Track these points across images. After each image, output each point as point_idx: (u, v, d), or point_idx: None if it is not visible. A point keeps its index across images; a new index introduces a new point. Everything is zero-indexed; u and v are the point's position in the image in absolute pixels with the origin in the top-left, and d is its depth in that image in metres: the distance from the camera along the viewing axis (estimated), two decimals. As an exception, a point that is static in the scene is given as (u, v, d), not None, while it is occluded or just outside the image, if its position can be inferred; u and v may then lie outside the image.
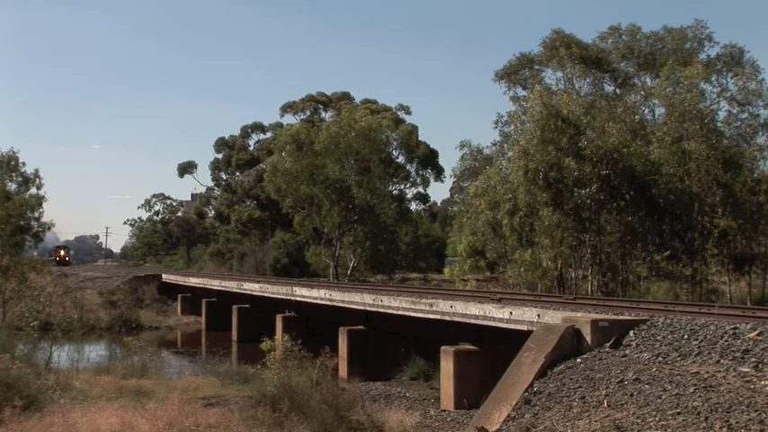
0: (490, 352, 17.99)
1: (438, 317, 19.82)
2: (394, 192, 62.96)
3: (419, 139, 65.21)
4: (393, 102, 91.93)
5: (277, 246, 64.07)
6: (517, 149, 32.85)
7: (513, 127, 41.02)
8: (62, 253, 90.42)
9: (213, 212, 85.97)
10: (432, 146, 66.34)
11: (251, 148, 79.46)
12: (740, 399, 9.18)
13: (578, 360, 12.29)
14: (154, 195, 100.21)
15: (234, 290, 39.97)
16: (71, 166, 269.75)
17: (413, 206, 70.53)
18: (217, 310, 42.54)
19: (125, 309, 43.39)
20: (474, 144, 49.46)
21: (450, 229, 63.16)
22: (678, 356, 11.25)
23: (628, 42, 43.14)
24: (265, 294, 34.74)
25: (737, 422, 8.61)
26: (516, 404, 11.60)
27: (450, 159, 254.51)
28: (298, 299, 30.94)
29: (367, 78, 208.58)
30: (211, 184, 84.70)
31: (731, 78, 39.20)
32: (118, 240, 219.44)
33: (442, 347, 18.79)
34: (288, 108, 74.76)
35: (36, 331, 21.25)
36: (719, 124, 36.92)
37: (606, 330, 12.83)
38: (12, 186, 53.54)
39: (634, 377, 10.80)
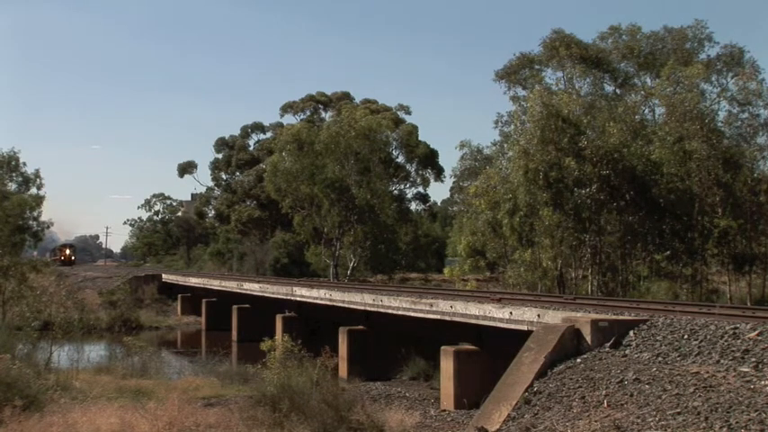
0: (490, 352, 17.98)
1: (438, 317, 19.81)
2: (394, 192, 62.90)
3: (419, 138, 65.20)
4: (393, 102, 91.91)
5: (277, 246, 64.03)
6: (517, 149, 32.84)
7: (513, 127, 41.02)
8: (67, 252, 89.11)
9: (213, 212, 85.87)
10: (432, 146, 66.37)
11: (251, 148, 79.39)
12: (740, 399, 9.18)
13: (578, 360, 12.29)
14: (154, 195, 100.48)
15: (234, 290, 39.96)
16: (71, 166, 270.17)
17: (413, 206, 70.53)
18: (217, 310, 42.51)
19: (125, 309, 43.38)
20: (474, 144, 49.57)
21: (451, 229, 63.09)
22: (678, 356, 11.25)
23: (628, 42, 43.14)
24: (265, 294, 34.73)
25: (737, 422, 8.60)
26: (516, 404, 11.60)
27: (450, 159, 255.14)
28: (298, 299, 30.93)
29: (367, 78, 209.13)
30: (211, 184, 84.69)
31: (731, 78, 39.23)
32: (118, 240, 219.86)
33: (442, 347, 18.78)
34: (288, 108, 74.71)
35: (36, 331, 21.25)
36: (720, 124, 36.94)
37: (606, 330, 12.83)
38: (12, 186, 53.54)
39: (634, 377, 10.80)
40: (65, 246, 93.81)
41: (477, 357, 18.26)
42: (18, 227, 45.05)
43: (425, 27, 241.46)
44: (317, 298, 28.98)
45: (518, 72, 45.16)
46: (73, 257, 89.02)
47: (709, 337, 11.53)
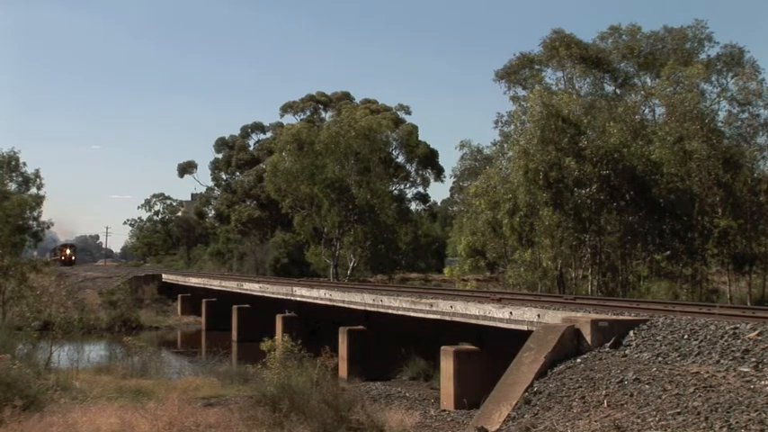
0: (490, 352, 17.98)
1: (438, 317, 19.81)
2: (394, 192, 62.91)
3: (419, 138, 65.22)
4: (393, 102, 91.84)
5: (277, 246, 64.04)
6: (517, 149, 32.84)
7: (513, 127, 41.02)
8: (68, 252, 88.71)
9: (213, 212, 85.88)
10: (432, 146, 66.41)
11: (251, 148, 79.40)
12: (740, 399, 9.18)
13: (578, 360, 12.29)
14: (154, 195, 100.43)
15: (234, 290, 39.96)
16: (71, 166, 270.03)
17: (413, 206, 70.56)
18: (217, 310, 42.52)
19: (125, 309, 43.39)
20: (474, 144, 49.57)
21: (451, 229, 63.11)
22: (678, 356, 11.25)
23: (628, 42, 43.15)
24: (265, 294, 34.73)
25: (737, 422, 8.60)
26: (516, 404, 11.60)
27: (450, 159, 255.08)
28: (298, 299, 30.93)
29: (367, 78, 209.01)
30: (211, 184, 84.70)
31: (731, 78, 39.24)
32: (118, 240, 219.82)
33: (442, 347, 18.78)
34: (288, 108, 74.71)
35: (36, 331, 21.25)
36: (720, 124, 36.95)
37: (606, 330, 12.83)
38: (12, 186, 53.48)
39: (634, 377, 10.80)
40: (65, 245, 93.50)
41: (477, 357, 18.26)
42: (18, 227, 45.01)
43: (425, 27, 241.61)
44: (317, 298, 28.98)
45: (518, 72, 45.17)
46: (73, 257, 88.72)
47: (709, 337, 11.53)
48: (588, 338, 12.75)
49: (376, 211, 50.12)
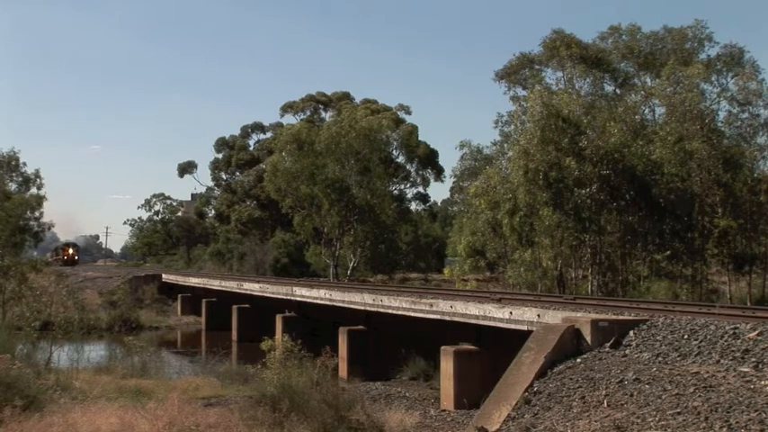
0: (490, 352, 17.99)
1: (438, 317, 19.81)
2: (394, 192, 62.93)
3: (419, 139, 65.22)
4: (393, 102, 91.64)
5: (277, 246, 64.04)
6: (517, 149, 32.85)
7: (513, 127, 41.02)
8: (70, 251, 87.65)
9: (213, 212, 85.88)
10: (432, 146, 66.41)
11: (251, 148, 79.40)
12: (740, 399, 9.17)
13: (578, 360, 12.29)
14: (154, 195, 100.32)
15: (234, 290, 39.96)
16: (71, 166, 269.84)
17: (413, 206, 70.58)
18: (217, 310, 42.55)
19: (125, 309, 43.38)
20: (474, 144, 49.52)
21: (451, 229, 63.10)
22: (678, 356, 11.25)
23: (628, 42, 43.13)
24: (265, 294, 34.74)
25: (737, 422, 8.60)
26: (516, 404, 11.60)
27: (450, 159, 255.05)
28: (298, 299, 30.94)
29: (367, 78, 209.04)
30: (211, 184, 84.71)
31: (731, 78, 39.22)
32: (118, 240, 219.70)
33: (442, 347, 18.78)
34: (288, 108, 74.70)
35: (36, 331, 21.26)
36: (720, 124, 36.94)
37: (606, 330, 12.83)
38: (12, 186, 53.47)
39: (634, 377, 10.80)
40: (67, 245, 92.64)
41: (477, 357, 18.27)
42: (18, 227, 45.04)
43: (425, 27, 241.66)
44: (316, 298, 28.99)
45: (518, 72, 45.15)
46: (76, 257, 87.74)
47: (709, 337, 11.53)
48: (588, 338, 12.75)
49: (376, 211, 50.15)
